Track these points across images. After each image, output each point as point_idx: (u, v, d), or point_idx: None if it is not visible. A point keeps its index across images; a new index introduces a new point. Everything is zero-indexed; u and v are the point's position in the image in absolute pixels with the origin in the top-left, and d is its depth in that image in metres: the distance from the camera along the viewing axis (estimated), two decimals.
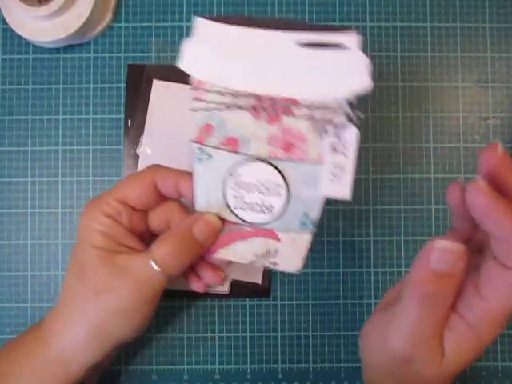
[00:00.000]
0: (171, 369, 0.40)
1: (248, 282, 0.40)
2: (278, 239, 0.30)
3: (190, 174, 0.30)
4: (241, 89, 0.27)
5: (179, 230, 0.30)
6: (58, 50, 0.41)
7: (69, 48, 0.42)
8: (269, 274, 0.41)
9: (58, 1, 0.37)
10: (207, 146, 0.29)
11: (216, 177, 0.29)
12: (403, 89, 0.42)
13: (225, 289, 0.40)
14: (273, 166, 0.28)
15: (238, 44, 0.27)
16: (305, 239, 0.29)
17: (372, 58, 0.42)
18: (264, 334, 0.41)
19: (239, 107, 0.28)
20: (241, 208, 0.29)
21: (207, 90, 0.27)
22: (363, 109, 0.42)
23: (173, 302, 0.41)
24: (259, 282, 0.40)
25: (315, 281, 0.41)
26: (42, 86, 0.41)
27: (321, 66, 0.26)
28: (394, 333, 0.26)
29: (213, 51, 0.27)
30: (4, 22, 0.40)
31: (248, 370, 0.40)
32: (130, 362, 0.40)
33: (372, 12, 0.42)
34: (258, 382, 0.40)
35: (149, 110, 0.41)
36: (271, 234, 0.30)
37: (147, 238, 0.33)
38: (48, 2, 0.38)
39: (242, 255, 0.30)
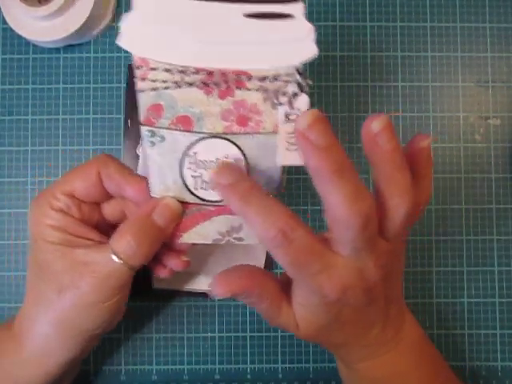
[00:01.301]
0: (171, 369, 0.40)
1: None
2: None
3: (135, 179, 0.29)
4: (189, 64, 0.26)
5: (137, 218, 0.29)
6: (57, 49, 0.41)
7: (69, 48, 0.42)
8: None
9: (58, 1, 0.37)
10: (158, 127, 0.27)
11: (171, 159, 0.28)
12: (403, 89, 0.42)
13: None
14: (229, 140, 0.28)
15: (183, 17, 0.25)
16: None
17: (371, 58, 0.42)
18: (264, 334, 0.41)
19: (189, 84, 0.27)
20: (201, 188, 0.28)
21: (153, 68, 0.26)
22: (363, 108, 0.42)
23: (173, 301, 0.41)
24: None
25: None
26: (42, 86, 0.41)
27: (269, 37, 0.26)
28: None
29: (155, 25, 0.26)
30: (4, 21, 0.40)
31: (248, 370, 0.40)
32: (129, 361, 0.40)
33: (372, 12, 0.42)
34: (258, 382, 0.40)
35: None
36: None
37: (103, 227, 0.32)
38: (48, 1, 0.38)
39: (206, 236, 0.29)
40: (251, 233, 0.29)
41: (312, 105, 0.42)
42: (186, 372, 0.40)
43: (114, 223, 0.32)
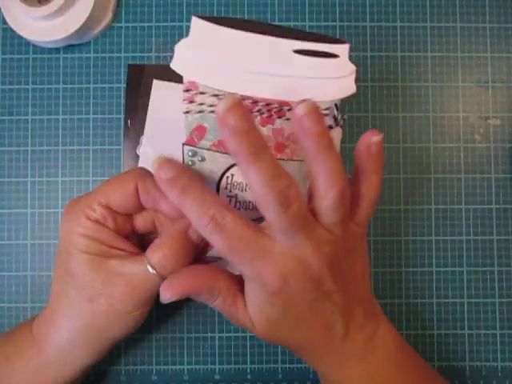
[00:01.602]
0: (171, 369, 0.40)
1: None
2: None
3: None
4: (237, 91, 0.27)
5: (174, 232, 0.30)
6: (57, 50, 0.41)
7: (69, 48, 0.42)
8: None
9: (58, 1, 0.37)
10: (200, 148, 0.28)
11: (209, 178, 0.29)
12: (403, 89, 0.42)
13: None
14: None
15: (235, 46, 0.27)
16: None
17: (371, 58, 0.42)
18: None
19: None
20: (234, 207, 0.30)
21: (202, 92, 0.27)
22: (363, 109, 0.42)
23: (173, 301, 0.41)
24: None
25: None
26: (42, 86, 0.41)
27: (314, 73, 0.27)
28: None
29: (208, 52, 0.27)
30: (4, 21, 0.40)
31: (248, 370, 0.40)
32: (129, 362, 0.40)
33: (372, 12, 0.42)
34: (258, 382, 0.40)
35: (149, 110, 0.41)
36: None
37: (133, 237, 0.33)
38: (48, 1, 0.38)
39: None
40: None
41: None
42: (185, 372, 0.40)
43: (144, 233, 0.33)
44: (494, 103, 0.42)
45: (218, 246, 0.27)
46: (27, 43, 0.41)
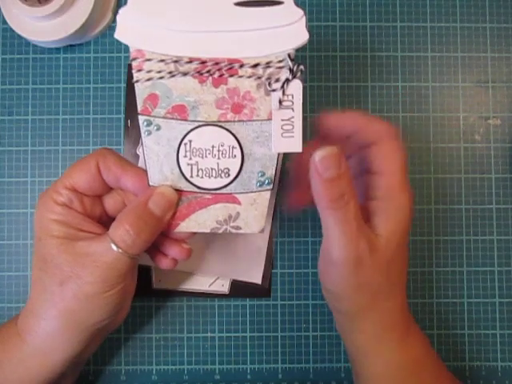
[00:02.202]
0: (171, 369, 0.40)
1: (248, 282, 0.40)
2: (239, 202, 0.29)
3: (133, 169, 0.30)
4: (182, 54, 0.27)
5: (134, 207, 0.29)
6: (57, 49, 0.41)
7: (69, 48, 0.42)
8: (269, 274, 0.41)
9: (58, 1, 0.37)
10: (154, 116, 0.28)
11: (167, 147, 0.28)
12: (403, 89, 0.42)
13: (225, 289, 0.40)
14: (224, 128, 0.28)
15: (175, 8, 0.26)
16: (264, 198, 0.29)
17: (371, 58, 0.42)
18: (264, 334, 0.41)
19: (183, 73, 0.27)
20: (197, 175, 0.29)
21: (148, 59, 0.27)
22: (363, 109, 0.42)
23: (173, 301, 0.41)
24: (259, 282, 0.40)
25: (315, 281, 0.41)
26: (42, 86, 0.41)
27: (259, 24, 0.26)
28: (334, 247, 0.29)
29: (149, 18, 0.26)
30: (4, 21, 0.40)
31: (248, 370, 0.40)
32: (129, 362, 0.40)
33: (372, 12, 0.42)
34: (258, 382, 0.40)
35: None
36: (231, 198, 0.29)
37: (106, 221, 0.32)
38: (48, 1, 0.38)
39: (203, 224, 0.30)
40: (249, 221, 0.30)
41: (312, 105, 0.42)
42: (185, 372, 0.40)
43: (115, 216, 0.32)
44: (494, 103, 0.42)
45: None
46: (27, 43, 0.41)
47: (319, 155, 0.27)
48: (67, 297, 0.29)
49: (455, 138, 0.42)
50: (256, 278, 0.40)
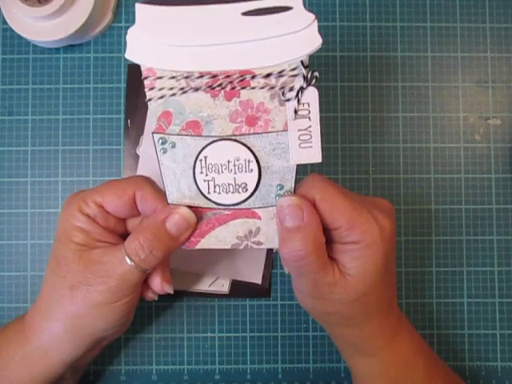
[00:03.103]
0: (171, 369, 0.40)
1: (248, 282, 0.40)
2: (258, 217, 0.29)
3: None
4: (193, 69, 0.26)
5: (151, 223, 0.29)
6: (57, 50, 0.41)
7: (69, 48, 0.42)
8: (269, 274, 0.41)
9: (58, 1, 0.37)
10: (169, 134, 0.27)
11: (183, 164, 0.28)
12: (403, 89, 0.42)
13: (225, 289, 0.40)
14: (239, 142, 0.27)
15: (181, 24, 0.25)
16: None
17: (371, 58, 0.42)
18: (264, 334, 0.41)
19: (195, 89, 0.27)
20: (214, 192, 0.28)
21: (159, 77, 0.26)
22: (363, 108, 0.42)
23: (173, 301, 0.41)
24: (259, 282, 0.40)
25: None
26: (42, 86, 0.41)
27: (269, 32, 0.25)
28: (298, 294, 0.31)
29: (157, 35, 0.26)
30: (4, 21, 0.40)
31: (248, 370, 0.40)
32: (129, 362, 0.40)
33: (372, 12, 0.42)
34: (258, 382, 0.40)
35: (149, 110, 0.40)
36: (250, 213, 0.29)
37: (125, 235, 0.32)
38: (48, 1, 0.38)
39: (224, 241, 0.29)
40: (270, 236, 0.29)
41: None
42: (185, 372, 0.40)
43: None
44: (494, 103, 0.42)
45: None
46: (27, 43, 0.41)
47: (281, 203, 0.28)
48: (76, 302, 0.30)
49: (455, 138, 0.42)
50: (256, 278, 0.40)
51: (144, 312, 0.41)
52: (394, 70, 0.42)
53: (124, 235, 0.32)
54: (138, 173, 0.40)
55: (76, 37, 0.40)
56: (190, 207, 0.29)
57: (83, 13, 0.39)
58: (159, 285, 0.32)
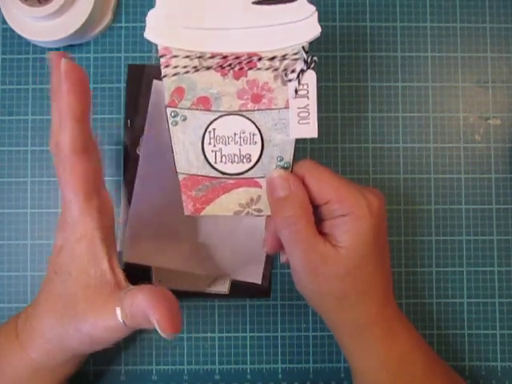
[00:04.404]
0: (171, 369, 0.40)
1: (248, 282, 0.40)
2: (259, 186, 0.32)
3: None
4: (206, 50, 0.29)
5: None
6: (57, 50, 0.41)
7: (69, 48, 0.42)
8: (269, 274, 0.41)
9: (58, 1, 0.37)
10: (181, 108, 0.30)
11: (193, 136, 0.31)
12: (403, 89, 0.42)
13: (225, 289, 0.40)
14: (245, 117, 0.30)
15: (198, 8, 0.28)
16: None
17: (371, 58, 0.42)
18: (264, 334, 0.41)
19: (207, 68, 0.29)
20: (220, 161, 0.31)
21: (174, 56, 0.29)
22: (363, 109, 0.42)
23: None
24: (259, 282, 0.40)
25: None
26: (41, 86, 0.41)
27: (275, 20, 0.29)
28: (290, 258, 0.31)
29: (175, 18, 0.29)
30: (4, 21, 0.40)
31: (248, 370, 0.40)
32: (129, 362, 0.40)
33: (372, 12, 0.42)
34: (258, 382, 0.40)
35: (149, 110, 0.41)
36: (252, 182, 0.32)
37: None
38: (48, 1, 0.38)
39: (227, 208, 0.32)
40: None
41: None
42: (185, 372, 0.40)
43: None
44: (494, 103, 0.42)
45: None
46: (27, 43, 0.41)
47: (271, 175, 0.30)
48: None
49: (455, 138, 0.42)
50: (256, 278, 0.40)
51: None
52: (394, 70, 0.42)
53: None
54: (138, 173, 0.40)
55: (76, 37, 0.40)
56: (197, 176, 0.31)
57: (83, 13, 0.39)
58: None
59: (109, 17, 0.41)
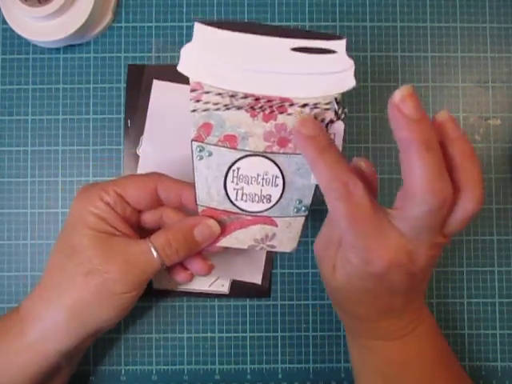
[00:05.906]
0: (171, 369, 0.40)
1: (248, 282, 0.40)
2: (276, 224, 0.32)
3: (191, 185, 0.32)
4: (239, 90, 0.29)
5: (181, 226, 0.32)
6: (57, 50, 0.41)
7: (69, 48, 0.42)
8: (269, 274, 0.41)
9: (58, 1, 0.37)
10: (207, 143, 0.30)
11: (216, 172, 0.31)
12: None
13: (225, 289, 0.40)
14: (269, 159, 0.30)
15: (235, 48, 0.28)
16: (299, 223, 0.32)
17: (371, 58, 0.42)
18: (264, 334, 0.41)
19: (238, 107, 0.29)
20: (241, 199, 0.31)
21: (206, 92, 0.29)
22: (363, 109, 0.42)
23: (173, 302, 0.41)
24: (259, 282, 0.40)
25: (315, 281, 0.41)
26: (41, 86, 0.41)
27: (312, 68, 0.28)
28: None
29: (211, 54, 0.28)
30: (4, 21, 0.40)
31: (248, 370, 0.40)
32: (129, 362, 0.40)
33: (372, 12, 0.42)
34: (258, 382, 0.40)
35: (149, 110, 0.41)
36: (269, 221, 0.32)
37: (136, 228, 0.34)
38: (48, 1, 0.38)
39: (242, 242, 0.33)
40: (284, 241, 0.33)
41: None
42: (185, 372, 0.40)
43: (147, 227, 0.35)
44: (494, 103, 0.42)
45: (339, 213, 0.27)
46: (27, 43, 0.41)
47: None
48: (88, 289, 0.30)
49: None
50: (256, 278, 0.40)
51: (144, 312, 0.41)
52: (394, 69, 0.42)
53: (134, 225, 0.34)
54: (139, 172, 0.40)
55: (76, 37, 0.40)
56: (216, 209, 0.32)
57: (83, 13, 0.39)
58: (201, 265, 0.34)
59: (109, 17, 0.41)
